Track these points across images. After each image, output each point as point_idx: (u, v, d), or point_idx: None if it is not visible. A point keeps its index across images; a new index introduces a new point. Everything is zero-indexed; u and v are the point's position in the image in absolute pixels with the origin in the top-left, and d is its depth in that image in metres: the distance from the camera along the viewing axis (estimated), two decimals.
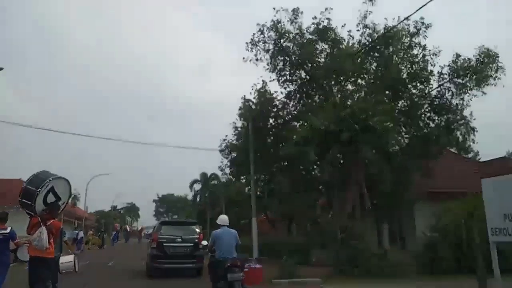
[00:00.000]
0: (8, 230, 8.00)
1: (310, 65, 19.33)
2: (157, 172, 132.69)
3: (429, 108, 17.47)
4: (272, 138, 21.39)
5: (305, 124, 13.97)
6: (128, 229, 60.65)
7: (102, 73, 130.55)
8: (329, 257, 13.74)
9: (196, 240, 13.54)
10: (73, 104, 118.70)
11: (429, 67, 16.70)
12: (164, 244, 13.28)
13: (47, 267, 7.43)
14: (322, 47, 19.56)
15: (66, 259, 11.56)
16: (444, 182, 20.73)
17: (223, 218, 8.66)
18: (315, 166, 19.49)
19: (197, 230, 14.62)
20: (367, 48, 16.92)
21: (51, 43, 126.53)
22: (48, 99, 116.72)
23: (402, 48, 16.92)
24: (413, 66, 16.76)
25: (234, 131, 22.12)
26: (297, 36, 19.52)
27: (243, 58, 20.36)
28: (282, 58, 19.91)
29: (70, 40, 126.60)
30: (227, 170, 23.41)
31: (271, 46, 19.95)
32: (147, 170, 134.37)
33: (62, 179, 8.47)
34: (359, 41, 17.70)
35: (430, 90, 17.20)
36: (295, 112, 20.59)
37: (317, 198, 22.79)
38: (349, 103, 13.90)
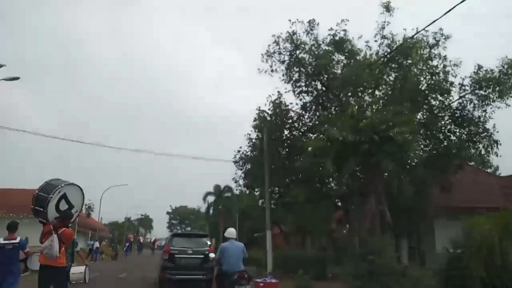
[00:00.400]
0: (17, 240, 7.83)
1: (326, 76, 19.05)
2: (171, 184, 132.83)
3: (449, 121, 16.90)
4: (287, 150, 21.00)
5: (322, 135, 13.54)
6: (142, 240, 60.42)
7: (117, 85, 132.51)
8: (346, 273, 13.11)
9: (207, 252, 13.68)
10: (89, 115, 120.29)
11: (450, 78, 16.18)
12: (176, 256, 13.36)
13: (57, 276, 7.17)
14: (339, 58, 19.26)
15: (77, 270, 11.30)
16: (465, 196, 19.93)
17: (230, 231, 8.74)
18: (331, 179, 19.00)
19: (208, 242, 14.69)
20: (385, 59, 16.50)
21: (70, 56, 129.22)
22: (65, 110, 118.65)
23: (422, 59, 16.44)
24: (433, 77, 16.24)
25: (248, 143, 21.76)
26: (313, 47, 19.28)
27: (258, 69, 20.23)
28: (297, 69, 19.68)
29: (89, 53, 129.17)
30: (241, 182, 22.90)
31: (286, 57, 19.76)
32: (161, 183, 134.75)
33: (75, 186, 8.29)
34: (377, 52, 17.31)
35: (451, 102, 16.64)
36: (311, 124, 20.24)
37: (333, 212, 22.17)
38: (367, 113, 13.44)
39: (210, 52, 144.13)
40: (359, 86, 16.84)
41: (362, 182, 13.25)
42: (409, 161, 12.89)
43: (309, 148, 13.22)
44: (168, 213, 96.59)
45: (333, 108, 18.90)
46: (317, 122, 18.37)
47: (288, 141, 20.79)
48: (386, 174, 12.28)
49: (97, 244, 33.25)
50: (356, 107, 13.61)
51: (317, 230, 27.63)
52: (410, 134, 12.32)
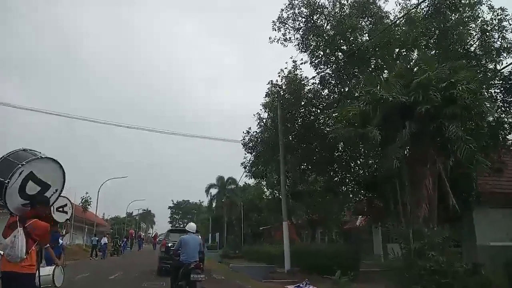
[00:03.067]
0: None
1: (349, 43, 15.88)
2: (173, 179, 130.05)
3: (501, 89, 13.63)
4: (302, 131, 17.74)
5: (362, 97, 10.24)
6: (142, 235, 57.07)
7: (115, 80, 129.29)
8: (396, 272, 9.91)
9: None
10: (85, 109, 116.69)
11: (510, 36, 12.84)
12: (171, 248, 14.20)
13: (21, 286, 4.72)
14: (363, 24, 16.09)
15: (44, 272, 8.23)
16: (504, 181, 16.76)
17: (191, 226, 9.24)
18: (359, 161, 15.80)
19: (199, 236, 14.40)
20: (427, 12, 13.20)
21: (68, 53, 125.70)
22: (61, 104, 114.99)
23: (471, 14, 13.17)
24: (485, 35, 12.95)
25: (258, 123, 18.45)
26: (332, 12, 16.13)
27: (269, 38, 17.28)
28: (315, 38, 16.52)
29: (86, 52, 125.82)
30: (251, 167, 19.59)
31: (302, 24, 16.68)
32: (163, 177, 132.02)
33: (46, 160, 5.38)
34: (416, 7, 13.98)
35: (503, 67, 13.33)
36: (331, 100, 17.02)
37: (356, 200, 18.89)
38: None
39: (207, 47, 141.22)
40: (397, 46, 13.62)
41: (416, 156, 9.94)
42: (484, 125, 9.63)
43: (350, 114, 9.85)
44: (170, 207, 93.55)
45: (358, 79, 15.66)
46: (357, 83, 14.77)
47: (304, 120, 17.56)
48: (454, 145, 8.99)
49: (105, 240, 30.12)
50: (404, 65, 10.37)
51: (333, 221, 24.52)
52: (480, 93, 9.11)
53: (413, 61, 11.82)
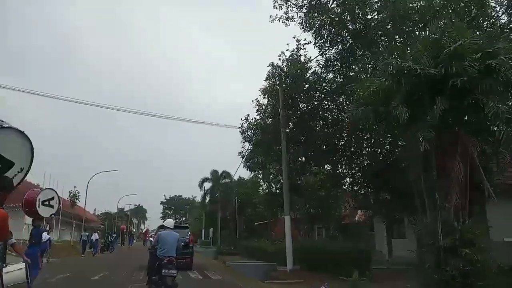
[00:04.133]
0: None
1: (357, 21, 14.53)
2: (166, 173, 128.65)
3: None
4: (305, 117, 16.38)
5: (382, 71, 8.81)
6: (133, 231, 55.47)
7: (112, 76, 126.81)
8: (415, 273, 8.56)
9: (187, 241, 14.52)
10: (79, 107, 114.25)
11: None
12: None
13: None
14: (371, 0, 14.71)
15: (14, 268, 7.03)
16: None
17: (169, 222, 9.17)
18: (367, 150, 14.39)
19: (189, 232, 16.16)
20: None
21: (66, 49, 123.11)
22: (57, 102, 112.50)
23: None
24: None
25: (257, 109, 17.01)
26: None
27: (270, 16, 15.90)
28: (319, 16, 15.15)
29: (84, 47, 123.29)
30: (249, 155, 18.18)
31: (305, 1, 15.32)
32: (155, 172, 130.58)
33: (9, 131, 4.32)
34: None
35: None
36: (334, 86, 15.67)
37: (361, 193, 17.53)
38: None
39: (202, 44, 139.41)
40: (409, 23, 12.25)
41: (445, 138, 8.54)
42: None
43: (369, 89, 8.41)
44: (162, 203, 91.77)
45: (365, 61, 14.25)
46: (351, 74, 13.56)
47: (307, 106, 16.20)
48: (494, 125, 7.67)
49: (96, 236, 28.55)
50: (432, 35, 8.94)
51: (333, 216, 23.22)
52: None
53: (434, 33, 10.27)
